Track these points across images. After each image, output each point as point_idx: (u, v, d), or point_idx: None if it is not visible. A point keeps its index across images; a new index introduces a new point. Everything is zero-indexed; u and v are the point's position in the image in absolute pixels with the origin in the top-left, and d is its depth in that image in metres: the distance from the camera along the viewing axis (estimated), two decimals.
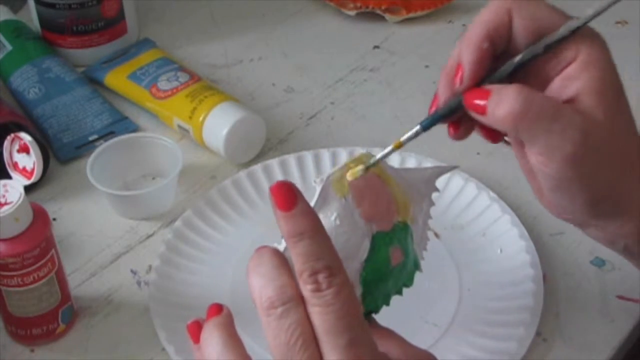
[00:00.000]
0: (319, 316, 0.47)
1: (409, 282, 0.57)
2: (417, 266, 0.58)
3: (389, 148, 0.55)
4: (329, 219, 0.51)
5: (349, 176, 0.53)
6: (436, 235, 0.76)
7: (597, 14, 0.53)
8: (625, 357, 0.72)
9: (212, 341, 0.50)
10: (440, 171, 0.60)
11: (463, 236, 0.76)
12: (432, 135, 0.87)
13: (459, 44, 0.55)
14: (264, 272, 0.49)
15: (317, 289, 0.47)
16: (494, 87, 0.54)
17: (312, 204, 0.51)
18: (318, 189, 0.52)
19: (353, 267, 0.52)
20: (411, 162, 0.81)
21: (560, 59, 0.54)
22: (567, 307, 0.71)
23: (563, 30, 0.54)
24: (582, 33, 0.54)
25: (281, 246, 0.51)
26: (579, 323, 0.70)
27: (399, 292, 0.56)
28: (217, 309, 0.51)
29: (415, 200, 0.57)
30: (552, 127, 0.53)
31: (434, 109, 0.57)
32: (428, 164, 0.80)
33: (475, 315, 0.71)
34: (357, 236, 0.52)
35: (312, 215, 0.48)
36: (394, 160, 0.81)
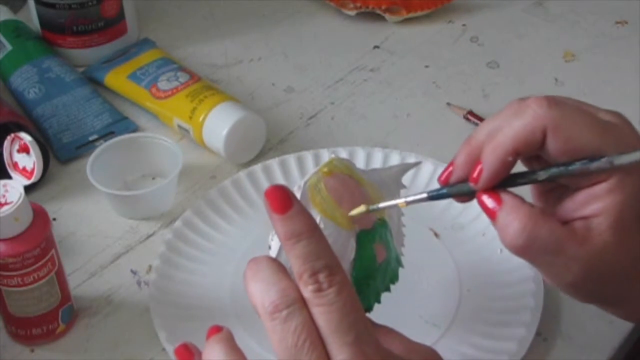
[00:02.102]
0: (323, 316, 0.47)
1: (395, 278, 0.58)
2: (399, 262, 0.59)
3: (393, 202, 0.55)
4: None
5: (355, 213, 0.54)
6: (436, 235, 0.76)
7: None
8: (625, 357, 0.72)
9: (214, 355, 0.50)
10: (404, 168, 0.62)
11: (463, 236, 0.76)
12: (432, 135, 0.87)
13: (488, 142, 0.54)
14: (263, 278, 0.49)
15: (319, 289, 0.47)
16: (507, 199, 0.54)
17: None
18: (298, 196, 0.52)
19: (343, 268, 0.53)
20: (411, 162, 0.81)
21: (592, 176, 0.53)
22: (567, 307, 0.71)
23: (602, 164, 0.52)
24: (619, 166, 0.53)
25: (273, 254, 0.52)
26: (579, 323, 0.70)
27: (387, 289, 0.57)
28: (217, 328, 0.51)
29: (388, 198, 0.57)
30: (554, 261, 0.54)
31: (446, 175, 0.56)
32: (428, 163, 0.80)
33: (475, 315, 0.71)
34: (342, 237, 0.53)
35: (307, 216, 0.49)
36: (395, 159, 0.81)
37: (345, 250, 0.53)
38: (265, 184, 0.81)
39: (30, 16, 0.96)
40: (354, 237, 0.54)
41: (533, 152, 0.54)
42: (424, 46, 0.98)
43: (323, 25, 1.01)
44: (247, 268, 0.50)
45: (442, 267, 0.74)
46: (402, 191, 0.61)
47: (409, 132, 0.88)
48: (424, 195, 0.56)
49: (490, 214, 0.54)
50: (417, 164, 0.63)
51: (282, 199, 0.48)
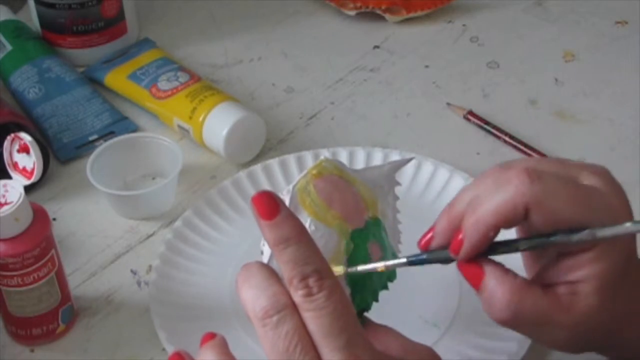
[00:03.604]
0: (314, 320, 0.47)
1: (392, 277, 0.58)
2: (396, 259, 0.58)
3: (374, 265, 0.54)
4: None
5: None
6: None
7: (625, 234, 0.52)
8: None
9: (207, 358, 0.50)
10: (397, 166, 0.61)
11: None
12: (432, 135, 0.87)
13: (469, 214, 0.54)
14: (254, 284, 0.49)
15: (309, 294, 0.47)
16: (489, 271, 0.55)
17: None
18: (287, 200, 0.52)
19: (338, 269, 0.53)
20: (411, 162, 0.81)
21: (577, 246, 0.54)
22: None
23: (584, 236, 0.52)
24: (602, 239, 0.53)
25: (265, 260, 0.52)
26: None
27: (385, 287, 0.57)
28: (211, 335, 0.51)
29: (381, 196, 0.57)
30: (542, 330, 0.55)
31: (426, 240, 0.57)
32: (428, 163, 0.80)
33: (475, 315, 0.70)
34: (335, 238, 0.53)
35: (295, 221, 0.48)
36: (395, 159, 0.81)
37: (339, 252, 0.53)
38: (265, 184, 0.81)
39: (30, 16, 0.96)
40: (347, 237, 0.54)
41: (514, 226, 0.54)
42: (424, 46, 0.98)
43: (323, 25, 1.01)
44: (238, 274, 0.50)
45: (442, 267, 0.74)
46: (398, 188, 0.61)
47: (409, 132, 0.88)
48: (404, 260, 0.55)
49: (473, 283, 0.55)
50: (408, 160, 0.63)
51: (269, 205, 0.48)
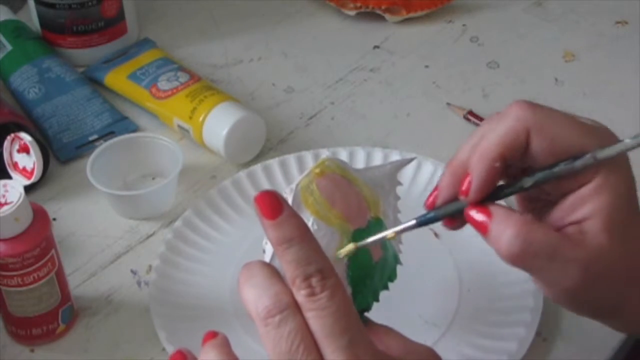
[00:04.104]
0: (316, 320, 0.47)
1: (393, 276, 0.58)
2: (397, 260, 0.59)
3: (384, 233, 0.54)
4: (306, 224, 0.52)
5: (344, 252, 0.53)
6: (436, 235, 0.76)
7: (626, 150, 0.52)
8: (625, 357, 0.72)
9: (209, 358, 0.50)
10: (399, 165, 0.61)
11: (463, 236, 0.76)
12: (432, 135, 0.87)
13: (473, 154, 0.54)
14: (256, 283, 0.49)
15: (312, 294, 0.47)
16: (496, 211, 0.53)
17: None
18: (290, 199, 0.52)
19: (339, 268, 0.52)
20: (411, 162, 0.81)
21: (576, 178, 0.53)
22: None
23: (586, 160, 0.52)
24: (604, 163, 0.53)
25: (267, 258, 0.52)
26: (579, 323, 0.70)
27: (386, 287, 0.57)
28: (213, 333, 0.51)
29: (382, 196, 0.57)
30: (551, 266, 0.53)
31: (432, 199, 0.56)
32: (428, 163, 0.80)
33: (475, 315, 0.71)
34: (336, 238, 0.53)
35: (298, 221, 0.48)
36: (395, 159, 0.81)
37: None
38: (265, 184, 0.81)
39: (30, 16, 0.96)
40: (349, 237, 0.54)
41: (519, 155, 0.54)
42: (424, 46, 0.98)
43: (323, 25, 1.01)
44: (240, 274, 0.50)
45: (442, 267, 0.74)
46: (398, 188, 0.61)
47: (409, 132, 0.88)
48: (413, 222, 0.55)
49: (481, 228, 0.54)
50: (410, 160, 0.63)
51: (272, 205, 0.48)
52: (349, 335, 0.47)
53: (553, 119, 0.53)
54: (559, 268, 0.53)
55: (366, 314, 0.56)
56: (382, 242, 0.56)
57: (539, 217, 0.56)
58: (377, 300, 0.57)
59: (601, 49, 0.96)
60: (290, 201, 0.52)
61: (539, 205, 0.57)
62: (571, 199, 0.54)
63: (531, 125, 0.53)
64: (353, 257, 0.54)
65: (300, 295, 0.47)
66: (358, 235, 0.54)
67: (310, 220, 0.52)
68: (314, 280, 0.47)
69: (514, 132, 0.53)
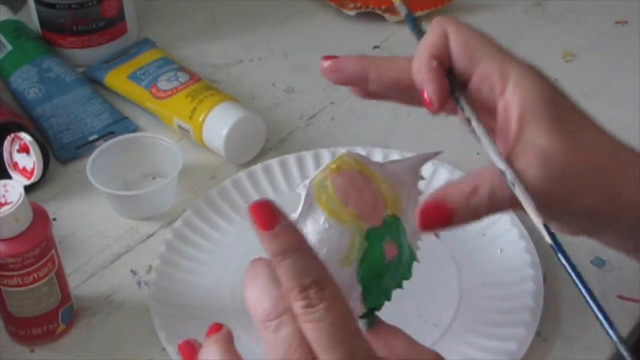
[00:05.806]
0: (313, 332, 0.47)
1: (407, 275, 0.56)
2: (413, 257, 0.57)
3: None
4: (318, 222, 0.51)
5: None
6: (436, 235, 0.76)
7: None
8: (625, 357, 0.72)
9: (210, 355, 0.49)
10: (424, 158, 0.60)
11: (463, 236, 0.76)
12: (432, 135, 0.87)
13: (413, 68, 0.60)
14: (259, 284, 0.49)
15: (308, 305, 0.46)
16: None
17: (298, 210, 0.51)
18: (303, 195, 0.52)
19: (348, 268, 0.52)
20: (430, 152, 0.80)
21: (490, 89, 0.58)
22: (567, 307, 0.71)
23: None
24: (512, 62, 0.58)
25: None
26: (579, 323, 0.70)
27: (399, 286, 0.56)
28: (217, 327, 0.51)
29: (403, 191, 0.56)
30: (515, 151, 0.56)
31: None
32: (428, 163, 0.80)
33: (475, 315, 0.71)
34: (348, 237, 0.52)
35: (294, 232, 0.47)
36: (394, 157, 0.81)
37: (351, 251, 0.53)
38: (265, 184, 0.81)
39: (30, 16, 0.96)
40: (362, 236, 0.53)
41: (446, 54, 0.59)
42: None
43: (323, 25, 1.01)
44: (246, 270, 0.50)
45: (442, 267, 0.74)
46: (420, 183, 0.59)
47: (409, 132, 0.88)
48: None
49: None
50: (436, 154, 0.61)
51: (266, 215, 0.47)
52: (345, 347, 0.46)
53: (466, 26, 0.60)
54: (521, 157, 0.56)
55: (376, 312, 0.55)
56: (398, 240, 0.55)
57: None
58: (389, 299, 0.55)
59: (601, 49, 0.96)
60: (303, 197, 0.52)
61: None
62: (501, 110, 0.57)
63: (447, 28, 0.59)
64: (364, 256, 0.53)
65: (297, 307, 0.47)
66: (372, 234, 0.53)
67: (322, 218, 0.52)
68: (311, 292, 0.47)
69: (434, 34, 0.59)
